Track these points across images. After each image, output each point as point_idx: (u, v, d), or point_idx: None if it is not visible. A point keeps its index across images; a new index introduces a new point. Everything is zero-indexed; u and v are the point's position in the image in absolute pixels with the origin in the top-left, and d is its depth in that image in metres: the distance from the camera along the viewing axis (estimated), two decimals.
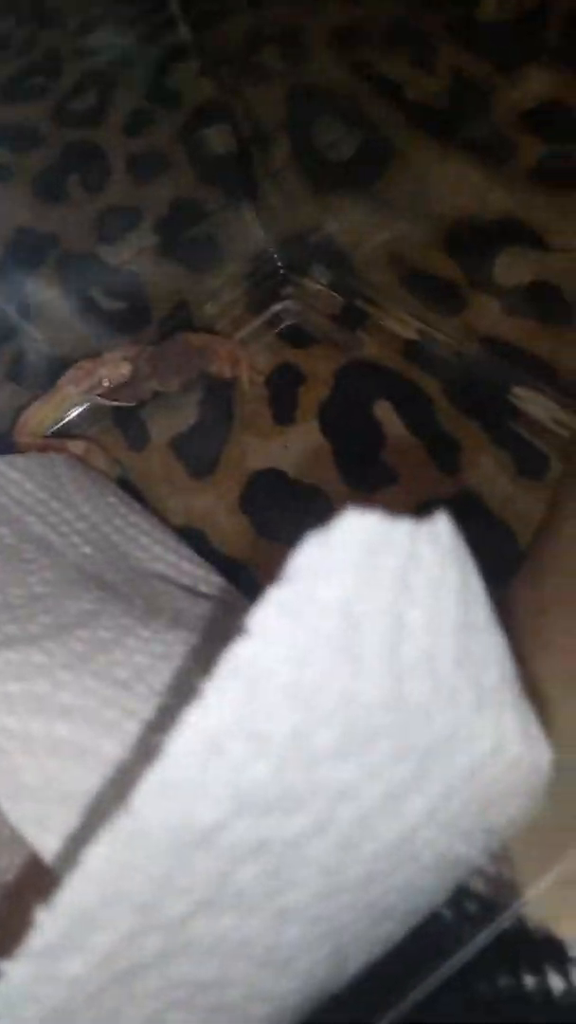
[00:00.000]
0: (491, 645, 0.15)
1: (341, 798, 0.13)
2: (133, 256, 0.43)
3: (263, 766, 0.12)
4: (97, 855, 0.12)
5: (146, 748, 0.17)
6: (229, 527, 0.35)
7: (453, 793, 0.14)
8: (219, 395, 0.39)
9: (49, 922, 0.12)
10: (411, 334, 0.38)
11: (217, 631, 0.22)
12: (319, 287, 0.41)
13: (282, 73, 0.42)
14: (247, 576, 0.33)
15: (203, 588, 0.27)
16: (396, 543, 0.13)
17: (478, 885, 0.20)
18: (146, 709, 0.19)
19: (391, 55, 0.39)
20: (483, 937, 0.20)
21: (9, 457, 0.27)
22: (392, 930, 0.16)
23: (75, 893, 0.12)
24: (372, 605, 0.13)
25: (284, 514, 0.35)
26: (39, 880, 0.21)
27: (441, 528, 0.14)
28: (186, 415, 0.39)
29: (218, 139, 0.42)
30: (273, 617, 0.12)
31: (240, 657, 0.12)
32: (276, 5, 0.42)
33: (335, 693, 0.12)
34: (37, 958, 0.12)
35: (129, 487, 0.36)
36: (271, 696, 0.12)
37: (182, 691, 0.19)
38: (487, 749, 0.14)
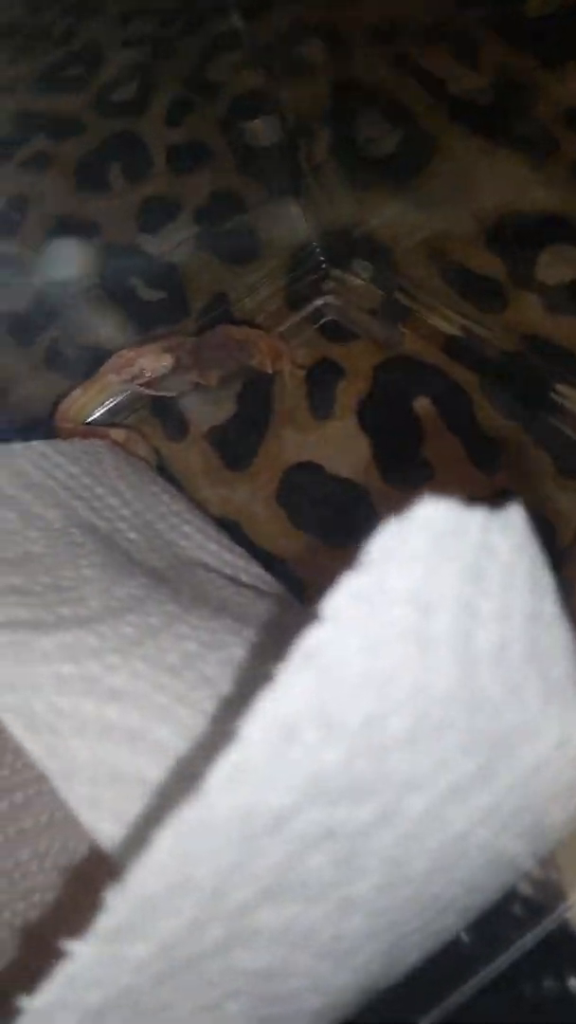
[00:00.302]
0: (559, 638, 0.14)
1: (409, 788, 0.13)
2: (173, 247, 0.43)
3: (334, 754, 0.12)
4: (165, 840, 0.12)
5: (203, 736, 0.17)
6: (265, 519, 0.35)
7: (519, 786, 0.14)
8: (258, 388, 0.39)
9: (116, 905, 0.12)
10: (453, 330, 0.38)
11: (263, 622, 0.22)
12: (360, 282, 0.41)
13: (324, 66, 0.42)
14: (282, 568, 0.33)
15: (244, 578, 0.27)
16: (469, 533, 0.13)
17: (525, 888, 0.20)
18: (196, 696, 0.18)
19: (434, 50, 0.39)
20: (529, 939, 0.20)
21: (54, 442, 0.27)
22: (450, 925, 0.16)
23: (142, 878, 0.12)
24: (444, 594, 0.12)
25: (320, 508, 0.35)
26: (90, 864, 0.21)
27: (514, 518, 0.13)
28: (225, 407, 0.39)
29: (262, 131, 0.42)
30: (346, 604, 0.12)
31: (313, 644, 0.12)
32: None
33: (407, 682, 0.12)
34: (103, 941, 0.12)
35: (166, 476, 0.36)
36: (344, 684, 0.12)
37: (235, 679, 0.19)
38: (553, 742, 0.14)
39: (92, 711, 0.18)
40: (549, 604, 0.14)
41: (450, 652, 0.13)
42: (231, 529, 0.34)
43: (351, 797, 0.12)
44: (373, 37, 0.40)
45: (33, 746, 0.17)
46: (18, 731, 0.17)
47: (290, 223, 0.43)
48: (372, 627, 0.12)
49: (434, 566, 0.12)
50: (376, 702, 0.12)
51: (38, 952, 0.20)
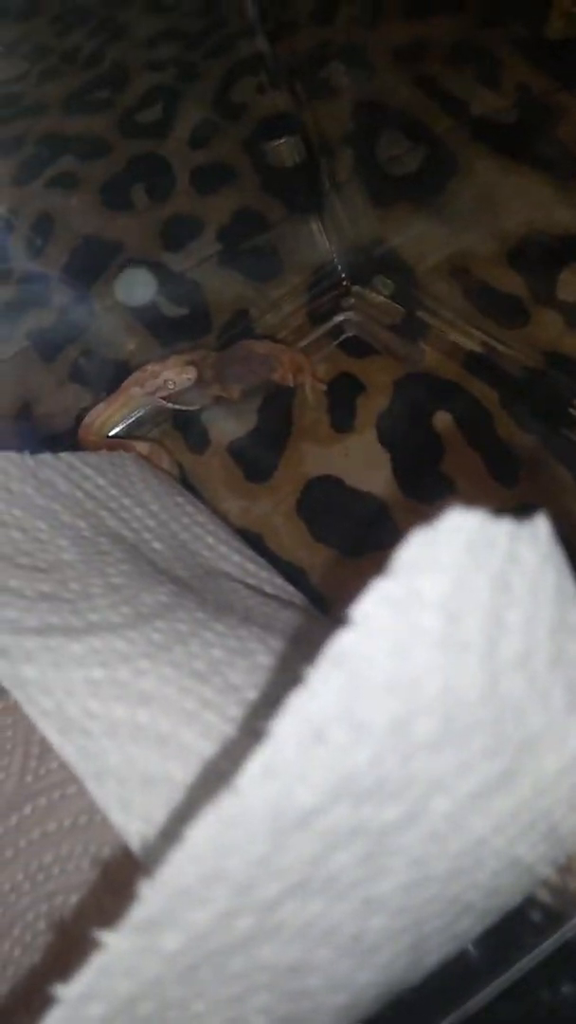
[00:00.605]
0: None
1: (434, 790, 0.13)
2: (195, 264, 0.44)
3: (363, 754, 0.12)
4: (200, 832, 0.12)
5: (229, 740, 0.18)
6: (286, 531, 0.36)
7: (542, 793, 0.14)
8: (279, 402, 0.40)
9: (150, 896, 0.12)
10: (474, 346, 0.38)
11: (287, 631, 0.23)
12: (381, 298, 0.42)
13: (348, 88, 0.43)
14: (302, 580, 0.33)
15: (268, 589, 0.27)
16: (497, 543, 0.13)
17: (543, 895, 0.20)
18: (223, 701, 0.19)
19: (456, 71, 0.40)
20: (547, 946, 0.20)
21: (82, 454, 0.28)
22: (469, 928, 0.16)
23: (177, 869, 0.12)
24: (472, 602, 0.13)
25: (341, 521, 0.36)
26: (120, 861, 0.21)
27: (540, 530, 0.14)
28: (246, 421, 0.39)
29: (286, 151, 0.43)
30: (376, 610, 0.12)
31: (343, 648, 0.12)
32: (342, 21, 0.43)
33: (435, 686, 0.13)
34: (138, 931, 0.12)
35: (188, 488, 0.36)
36: (372, 687, 0.12)
37: (260, 686, 0.19)
38: None
39: (123, 714, 0.18)
40: (574, 614, 0.14)
41: (477, 658, 0.13)
42: (252, 540, 0.35)
43: (378, 797, 0.13)
44: (396, 59, 0.41)
45: (65, 748, 0.18)
46: (51, 734, 0.18)
47: (312, 241, 0.44)
48: (401, 632, 0.12)
49: (462, 575, 0.13)
50: (403, 705, 0.12)
51: (70, 945, 0.21)
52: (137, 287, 0.42)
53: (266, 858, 0.13)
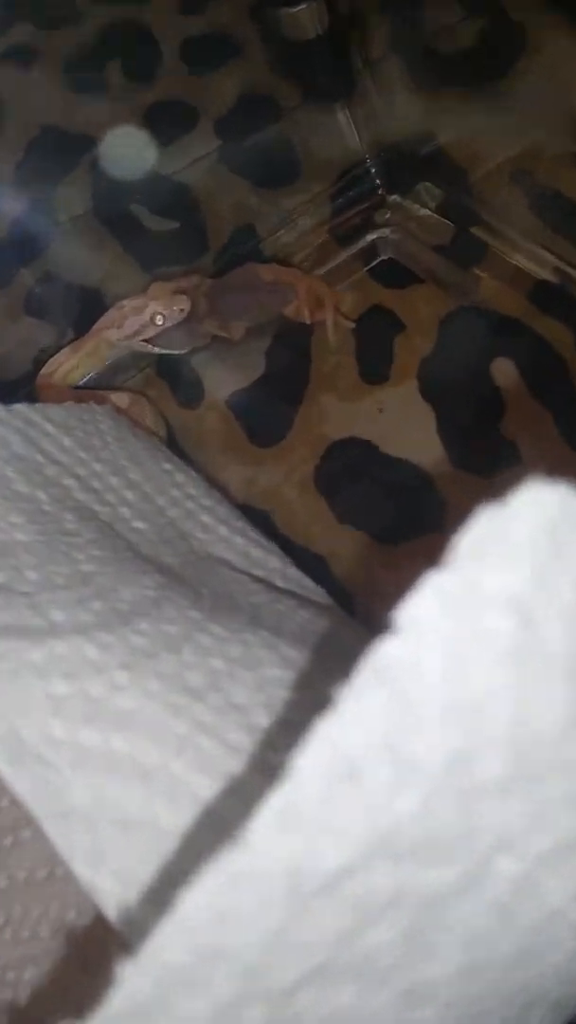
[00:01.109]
0: None
1: (501, 847, 0.13)
2: (187, 165, 0.43)
3: (409, 799, 0.12)
4: (194, 900, 0.12)
5: (232, 774, 0.18)
6: (301, 509, 0.36)
7: None
8: (293, 344, 0.39)
9: (134, 979, 0.12)
10: (544, 273, 0.38)
11: (306, 636, 0.22)
12: (425, 212, 0.41)
13: None
14: (323, 571, 0.33)
15: (279, 582, 0.27)
16: None
17: None
18: (224, 725, 0.19)
19: None
20: None
21: (42, 406, 0.28)
22: (539, 1023, 0.16)
23: (167, 945, 0.12)
24: (552, 601, 0.13)
25: (371, 496, 0.35)
26: (96, 931, 0.21)
27: None
28: (250, 367, 0.39)
29: (305, 19, 0.42)
30: (427, 612, 0.12)
31: (385, 659, 0.12)
32: None
33: (503, 711, 0.12)
34: (116, 1022, 0.12)
35: (177, 452, 0.36)
36: (423, 713, 0.12)
37: (270, 706, 0.19)
38: None
39: (93, 740, 0.18)
40: None
41: (559, 674, 0.13)
42: (258, 519, 0.34)
43: (426, 855, 0.13)
44: None
45: (19, 782, 0.18)
46: (0, 764, 0.18)
47: (338, 136, 0.43)
48: (460, 641, 0.12)
49: (541, 566, 0.12)
50: (463, 737, 0.12)
51: None
52: (131, 152, 0.41)
53: (281, 932, 0.12)
